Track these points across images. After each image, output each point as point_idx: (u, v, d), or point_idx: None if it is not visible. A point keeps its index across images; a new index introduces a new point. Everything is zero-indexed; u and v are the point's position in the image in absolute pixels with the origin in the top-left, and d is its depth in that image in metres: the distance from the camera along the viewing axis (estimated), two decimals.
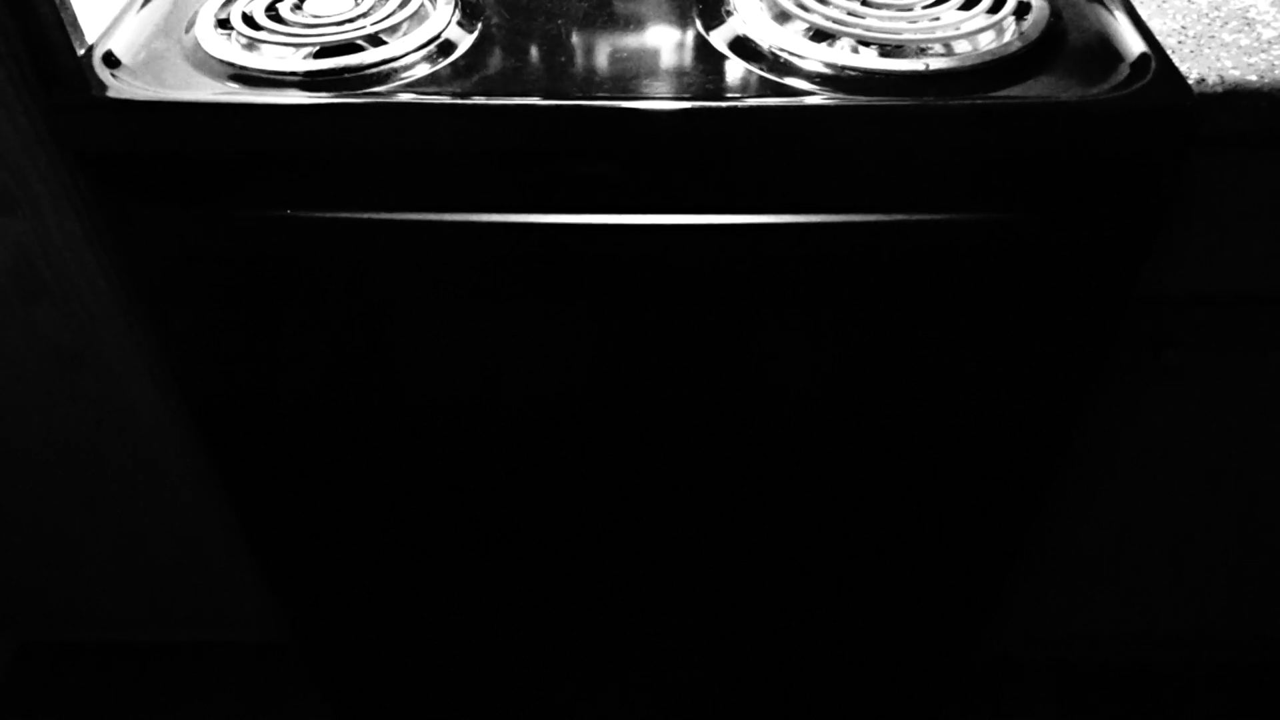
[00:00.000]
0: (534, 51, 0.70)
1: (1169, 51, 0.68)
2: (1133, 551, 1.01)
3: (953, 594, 1.00)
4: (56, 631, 1.23)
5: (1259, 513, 0.96)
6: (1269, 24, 0.71)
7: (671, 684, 1.15)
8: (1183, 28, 0.71)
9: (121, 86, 0.67)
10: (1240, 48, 0.69)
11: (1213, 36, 0.70)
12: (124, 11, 0.74)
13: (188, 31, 0.72)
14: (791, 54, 0.68)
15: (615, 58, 0.70)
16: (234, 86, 0.67)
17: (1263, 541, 0.99)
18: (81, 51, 0.70)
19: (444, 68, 0.69)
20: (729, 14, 0.73)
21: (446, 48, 0.71)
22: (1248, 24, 0.71)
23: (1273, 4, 0.72)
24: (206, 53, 0.69)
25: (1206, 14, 0.72)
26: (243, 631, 1.17)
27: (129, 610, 1.14)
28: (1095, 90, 0.66)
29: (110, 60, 0.69)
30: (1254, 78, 0.66)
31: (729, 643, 1.07)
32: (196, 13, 0.73)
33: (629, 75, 0.67)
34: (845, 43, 0.70)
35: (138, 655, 1.27)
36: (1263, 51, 0.68)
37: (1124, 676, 1.25)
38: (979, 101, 0.65)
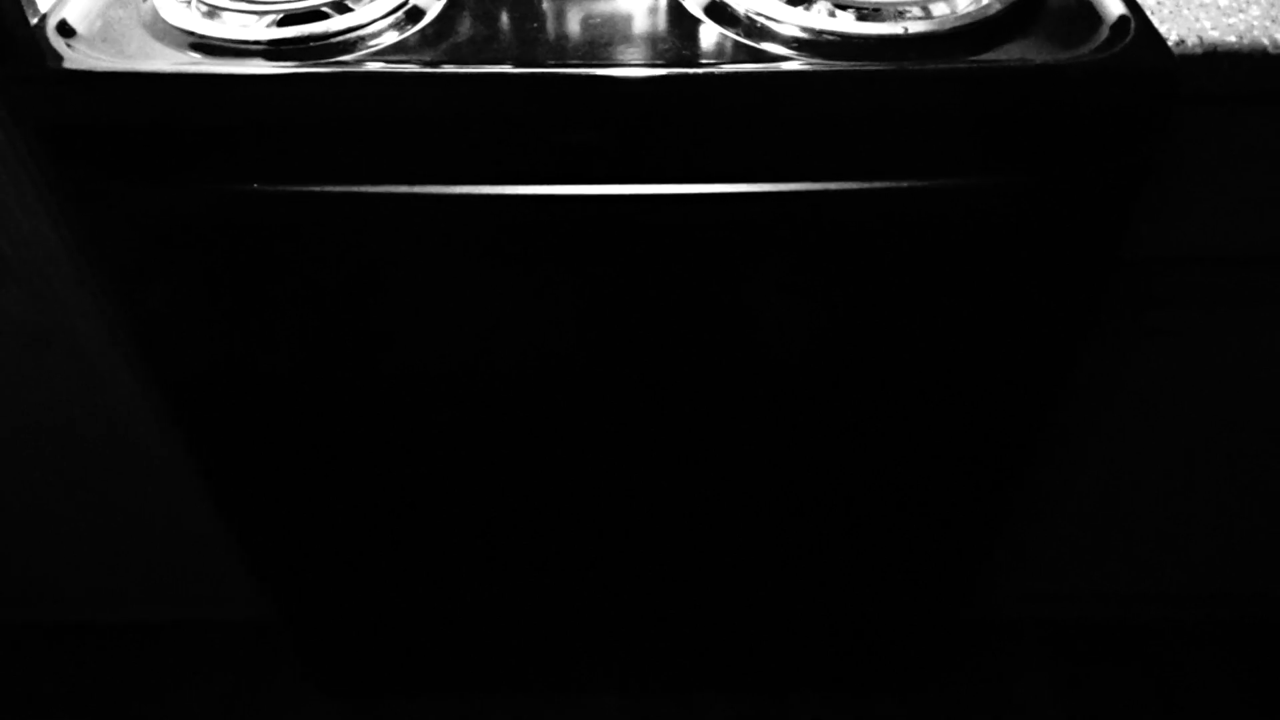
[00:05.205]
0: (504, 18, 0.69)
1: (1148, 13, 0.68)
2: (1124, 510, 1.02)
3: (945, 554, 1.00)
4: (42, 614, 1.23)
5: (1247, 470, 0.97)
6: None
7: (664, 653, 1.16)
8: None
9: (78, 57, 0.65)
10: (1219, 8, 0.68)
11: None
12: None
13: None
14: (768, 18, 0.67)
15: (588, 23, 0.68)
16: (195, 56, 0.65)
17: (1253, 499, 1.00)
18: (34, 20, 0.67)
19: (412, 35, 0.67)
20: None
21: (414, 14, 0.69)
22: None
23: None
24: (166, 21, 0.67)
25: None
26: (232, 609, 1.16)
27: (115, 590, 1.13)
28: (1075, 53, 0.65)
29: (65, 29, 0.67)
30: (1233, 38, 0.65)
31: (721, 605, 1.08)
32: None
33: (602, 41, 0.66)
34: (822, 6, 0.68)
35: (126, 636, 1.27)
36: (1241, 12, 0.68)
37: (1116, 635, 1.26)
38: (959, 65, 0.64)
